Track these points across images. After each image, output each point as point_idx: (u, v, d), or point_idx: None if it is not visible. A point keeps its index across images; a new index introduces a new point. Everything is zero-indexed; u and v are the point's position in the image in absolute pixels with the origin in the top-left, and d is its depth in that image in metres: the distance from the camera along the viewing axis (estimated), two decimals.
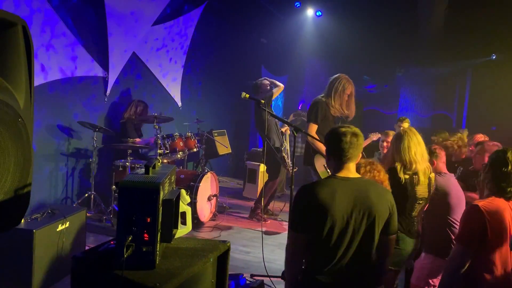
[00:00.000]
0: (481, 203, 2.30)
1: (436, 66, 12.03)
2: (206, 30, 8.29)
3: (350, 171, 2.31)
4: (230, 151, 8.49)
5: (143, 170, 1.74)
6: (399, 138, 3.08)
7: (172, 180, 1.90)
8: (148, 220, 1.58)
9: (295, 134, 3.84)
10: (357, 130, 2.33)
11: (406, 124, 6.31)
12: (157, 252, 1.63)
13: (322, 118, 4.61)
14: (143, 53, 6.81)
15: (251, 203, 6.63)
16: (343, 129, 2.29)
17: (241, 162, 8.61)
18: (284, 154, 6.07)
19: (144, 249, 1.60)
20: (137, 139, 5.99)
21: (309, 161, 4.64)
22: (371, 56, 10.93)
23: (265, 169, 6.55)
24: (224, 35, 8.92)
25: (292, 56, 10.53)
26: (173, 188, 1.90)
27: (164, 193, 1.67)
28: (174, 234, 1.80)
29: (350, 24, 9.34)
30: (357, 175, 2.35)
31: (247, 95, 3.99)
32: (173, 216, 1.69)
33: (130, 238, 1.58)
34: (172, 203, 1.66)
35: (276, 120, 6.23)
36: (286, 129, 6.54)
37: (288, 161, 6.09)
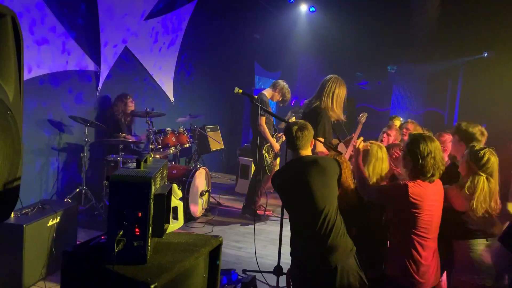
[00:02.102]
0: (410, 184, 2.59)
1: (428, 63, 12.07)
2: (199, 25, 8.24)
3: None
4: (223, 146, 8.47)
5: (134, 164, 1.73)
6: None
7: (164, 175, 1.89)
8: (140, 214, 1.57)
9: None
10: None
11: (397, 122, 6.32)
12: (149, 247, 1.62)
13: (328, 128, 4.33)
14: (136, 47, 6.76)
15: (244, 199, 6.63)
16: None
17: (234, 157, 8.60)
18: (265, 153, 5.99)
19: (135, 244, 1.59)
20: (128, 136, 5.96)
21: None
22: (364, 53, 10.94)
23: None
24: (217, 30, 8.88)
25: (285, 52, 10.52)
26: (165, 183, 1.88)
27: (155, 187, 1.66)
28: (166, 229, 1.79)
29: (343, 21, 9.34)
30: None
31: (240, 90, 3.96)
32: (164, 211, 1.68)
33: (121, 233, 1.57)
34: (164, 198, 1.65)
35: (272, 119, 6.20)
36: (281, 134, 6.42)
37: (268, 159, 6.01)
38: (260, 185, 6.17)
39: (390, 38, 10.23)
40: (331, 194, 2.76)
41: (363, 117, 5.19)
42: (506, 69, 9.83)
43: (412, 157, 2.58)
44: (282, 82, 6.09)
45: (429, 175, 2.56)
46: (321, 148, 4.07)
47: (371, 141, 3.21)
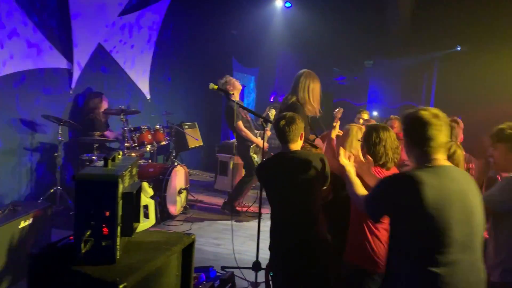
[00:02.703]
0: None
1: (403, 58, 12.23)
2: (174, 20, 8.16)
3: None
4: (201, 143, 8.42)
5: (102, 162, 1.69)
6: None
7: (134, 173, 1.86)
8: (107, 214, 1.54)
9: (264, 125, 3.84)
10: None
11: (365, 116, 6.38)
12: (118, 246, 1.59)
13: (305, 125, 4.37)
14: (109, 44, 6.65)
15: (223, 196, 6.61)
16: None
17: (212, 154, 8.55)
18: (253, 154, 5.97)
19: (103, 244, 1.56)
20: (106, 132, 5.87)
21: None
22: (340, 48, 11.02)
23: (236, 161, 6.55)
24: (194, 26, 8.80)
25: (263, 48, 10.50)
26: (135, 181, 1.85)
27: (124, 186, 1.63)
28: (136, 228, 1.76)
29: (320, 16, 9.37)
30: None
31: (215, 86, 3.94)
32: (133, 210, 1.65)
33: (88, 233, 1.53)
34: (132, 196, 1.62)
35: (249, 118, 6.17)
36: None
37: (258, 159, 6.00)
38: (249, 186, 6.15)
39: (366, 33, 10.32)
40: (313, 189, 2.82)
41: (339, 112, 5.24)
42: (479, 62, 10.05)
43: (366, 146, 2.71)
44: (226, 77, 5.99)
45: (381, 162, 2.67)
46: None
47: (351, 124, 3.39)
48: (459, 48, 10.83)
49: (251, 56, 10.32)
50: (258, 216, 3.86)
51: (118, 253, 1.60)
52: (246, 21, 9.38)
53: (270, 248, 2.96)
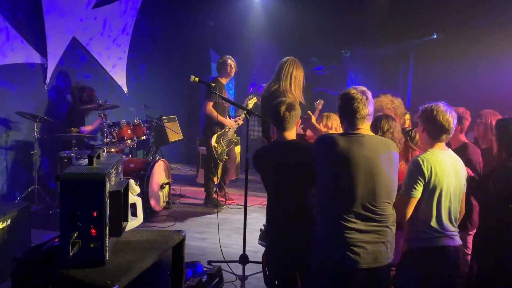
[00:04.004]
0: None
1: (380, 47, 12.27)
2: (150, 12, 7.99)
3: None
4: (181, 137, 8.31)
5: (86, 161, 1.61)
6: None
7: (119, 170, 1.79)
8: (95, 214, 1.47)
9: (248, 117, 3.78)
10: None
11: None
12: (107, 248, 1.53)
13: None
14: (84, 37, 6.47)
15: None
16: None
17: (193, 148, 8.46)
18: (214, 143, 5.89)
19: (92, 245, 1.49)
20: (87, 128, 5.72)
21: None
22: (318, 37, 10.96)
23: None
24: (170, 18, 8.64)
25: (241, 39, 10.38)
26: (121, 179, 1.78)
27: (110, 184, 1.56)
28: (125, 227, 1.69)
29: (297, 5, 9.32)
30: None
31: (197, 79, 3.85)
32: (121, 209, 1.58)
33: (75, 235, 1.46)
34: (120, 195, 1.55)
35: (227, 106, 6.10)
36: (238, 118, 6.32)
37: (219, 149, 5.95)
38: (211, 176, 6.09)
39: (343, 23, 10.29)
40: (311, 177, 2.72)
41: (319, 103, 5.24)
42: (455, 50, 10.13)
43: (374, 131, 2.77)
44: (222, 58, 5.93)
45: None
46: None
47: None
48: (435, 36, 10.90)
49: (229, 47, 10.17)
50: (244, 209, 3.81)
51: (107, 254, 1.54)
52: (223, 12, 9.25)
53: (268, 238, 2.94)
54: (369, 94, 2.46)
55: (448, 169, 2.61)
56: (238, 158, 7.94)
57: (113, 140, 5.38)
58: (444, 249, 2.58)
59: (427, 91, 10.47)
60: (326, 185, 2.42)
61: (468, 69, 9.91)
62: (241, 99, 9.23)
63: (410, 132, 3.18)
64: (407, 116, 5.26)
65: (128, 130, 5.60)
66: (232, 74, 6.00)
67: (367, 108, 2.41)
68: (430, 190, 2.55)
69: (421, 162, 2.53)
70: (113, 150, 5.63)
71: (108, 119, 5.62)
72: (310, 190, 2.75)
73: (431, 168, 2.53)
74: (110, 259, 1.56)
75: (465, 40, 9.79)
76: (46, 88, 5.81)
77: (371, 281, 2.35)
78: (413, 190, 2.52)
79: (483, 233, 3.13)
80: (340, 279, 2.37)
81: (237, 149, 7.72)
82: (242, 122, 6.19)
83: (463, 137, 3.84)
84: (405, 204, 2.53)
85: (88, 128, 5.73)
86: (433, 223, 2.57)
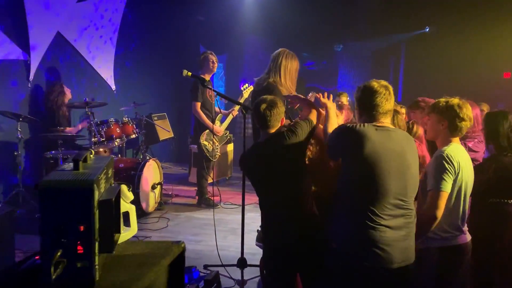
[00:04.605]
0: None
1: (372, 41, 12.17)
2: (137, 7, 7.71)
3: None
4: (172, 135, 8.07)
5: (71, 165, 1.39)
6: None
7: (110, 175, 1.57)
8: (82, 228, 1.25)
9: (245, 113, 3.58)
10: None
11: (344, 99, 6.22)
12: (96, 266, 1.31)
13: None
14: (69, 32, 6.18)
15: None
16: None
17: (185, 146, 8.20)
18: (204, 141, 5.70)
19: (79, 265, 1.27)
20: (68, 128, 5.46)
21: None
22: (309, 32, 10.82)
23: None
24: (158, 13, 8.36)
25: (230, 34, 10.14)
26: (111, 185, 1.56)
27: (100, 192, 1.34)
28: (117, 240, 1.48)
29: (289, 0, 9.15)
30: None
31: (189, 73, 3.63)
32: (113, 220, 1.37)
33: (59, 253, 1.25)
34: (111, 204, 1.34)
35: (213, 103, 5.92)
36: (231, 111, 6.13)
37: (209, 147, 5.74)
38: (204, 174, 5.92)
39: (334, 17, 10.16)
40: (302, 169, 2.65)
41: (312, 96, 5.04)
42: (448, 43, 10.06)
43: None
44: (203, 54, 5.80)
45: None
46: None
47: None
48: (427, 29, 10.81)
49: (219, 42, 9.94)
50: (242, 209, 3.60)
51: (97, 274, 1.32)
52: (212, 7, 9.01)
53: (264, 242, 2.77)
54: (391, 89, 2.38)
55: (469, 164, 2.55)
56: (231, 156, 7.75)
57: (101, 139, 5.13)
58: (463, 247, 2.54)
59: (418, 86, 10.38)
60: (353, 178, 2.29)
61: (460, 62, 9.86)
62: (231, 96, 8.98)
63: (409, 125, 3.09)
64: (403, 110, 5.19)
65: (117, 129, 5.35)
66: (215, 70, 5.86)
67: (389, 103, 2.34)
68: (456, 186, 2.47)
69: (450, 155, 2.44)
70: (101, 149, 5.39)
71: (95, 117, 5.37)
72: (303, 184, 2.63)
73: (458, 162, 2.45)
74: (100, 279, 1.34)
75: (457, 33, 9.76)
76: (29, 85, 5.53)
77: (399, 281, 2.26)
78: (444, 183, 2.41)
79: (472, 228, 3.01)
80: (369, 281, 2.25)
81: (230, 146, 7.53)
82: (238, 113, 5.99)
83: None
84: (437, 200, 2.40)
85: (72, 129, 5.47)
86: (456, 220, 2.52)
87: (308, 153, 2.78)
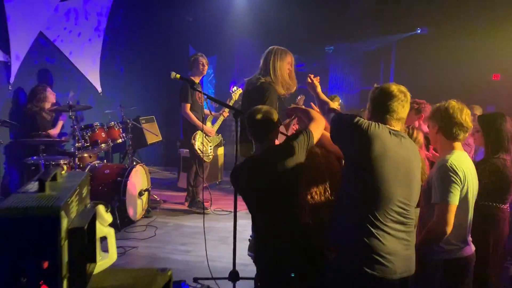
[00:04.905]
0: None
1: (364, 42, 12.07)
2: (125, 6, 7.48)
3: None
4: (160, 138, 7.84)
5: (36, 185, 1.18)
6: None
7: (84, 194, 1.36)
8: (46, 265, 1.04)
9: (237, 118, 3.38)
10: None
11: (336, 103, 6.08)
12: None
13: (276, 107, 3.85)
14: (52, 33, 5.94)
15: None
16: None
17: (174, 150, 7.95)
18: (199, 143, 5.48)
19: None
20: (52, 131, 5.21)
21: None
22: (300, 34, 10.68)
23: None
24: (146, 12, 8.13)
25: (220, 35, 9.94)
26: (86, 206, 1.35)
27: (69, 218, 1.13)
28: (92, 272, 1.28)
29: (278, 0, 8.98)
30: None
31: (178, 75, 3.43)
32: (86, 249, 1.16)
33: None
34: (83, 233, 1.13)
35: (202, 105, 5.73)
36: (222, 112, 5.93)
37: (200, 147, 5.53)
38: (195, 176, 5.74)
39: (326, 18, 10.03)
40: (298, 185, 2.46)
41: (301, 99, 4.90)
42: (438, 45, 9.99)
43: None
44: (194, 55, 5.65)
45: None
46: None
47: None
48: (419, 31, 10.74)
49: (209, 43, 9.72)
50: (234, 217, 3.40)
51: None
52: (201, 7, 8.81)
53: (256, 261, 2.59)
54: (409, 96, 2.26)
55: (473, 172, 2.42)
56: (222, 159, 7.54)
57: (86, 144, 4.89)
58: (468, 259, 2.43)
59: (408, 86, 10.27)
60: (357, 179, 2.15)
61: (450, 64, 9.80)
62: (221, 99, 8.75)
63: (409, 129, 2.97)
64: None
65: (102, 133, 5.11)
66: (205, 72, 5.71)
67: (405, 110, 2.23)
68: (462, 196, 2.32)
69: (454, 165, 2.30)
70: (86, 155, 5.16)
71: (80, 121, 5.14)
72: (299, 197, 2.44)
73: (463, 171, 2.31)
74: None
75: (447, 35, 9.77)
76: (10, 88, 5.28)
77: None
78: (452, 196, 2.27)
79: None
80: None
81: (220, 150, 7.32)
82: (229, 114, 5.78)
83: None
84: (445, 214, 2.26)
85: (54, 130, 5.22)
86: (462, 231, 2.39)
87: (314, 190, 2.56)
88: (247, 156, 3.76)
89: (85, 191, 1.36)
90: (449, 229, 2.26)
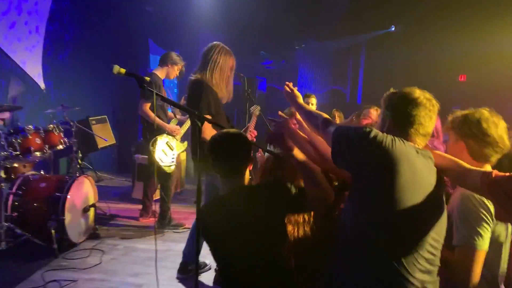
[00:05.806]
0: None
1: (334, 40, 11.74)
2: None
3: None
4: (114, 141, 7.01)
5: None
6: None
7: None
8: None
9: (200, 125, 2.67)
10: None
11: (313, 100, 5.55)
12: None
13: (215, 105, 3.43)
14: None
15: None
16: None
17: (128, 155, 7.10)
18: (154, 150, 4.72)
19: None
20: None
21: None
22: (268, 30, 10.18)
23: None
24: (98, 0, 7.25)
25: (184, 28, 9.15)
26: None
27: None
28: None
29: None
30: None
31: (122, 70, 2.65)
32: None
33: None
34: None
35: (165, 106, 5.05)
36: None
37: (162, 154, 4.77)
38: (152, 188, 5.14)
39: (295, 15, 9.58)
40: (283, 230, 1.99)
41: (256, 109, 4.27)
42: (407, 44, 9.79)
43: None
44: (171, 53, 5.10)
45: None
46: (209, 129, 3.20)
47: None
48: (393, 28, 10.44)
49: (170, 36, 8.91)
50: (197, 237, 2.69)
51: None
52: None
53: None
54: (437, 106, 1.80)
55: None
56: (184, 164, 6.80)
57: (15, 153, 4.02)
58: None
59: (378, 87, 9.93)
60: (373, 218, 1.67)
61: (418, 63, 9.64)
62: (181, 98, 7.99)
63: None
64: (378, 111, 4.59)
65: (37, 139, 4.24)
66: (172, 78, 5.23)
67: (432, 123, 1.76)
68: (496, 236, 1.86)
69: (483, 199, 1.78)
70: (16, 165, 4.29)
71: (10, 123, 4.27)
72: (280, 239, 1.97)
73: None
74: None
75: (415, 35, 9.59)
76: None
77: None
78: (480, 240, 1.77)
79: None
80: None
81: (183, 155, 6.54)
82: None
83: None
84: (471, 262, 1.76)
85: None
86: (492, 279, 1.91)
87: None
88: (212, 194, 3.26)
89: None
90: (474, 281, 1.74)
